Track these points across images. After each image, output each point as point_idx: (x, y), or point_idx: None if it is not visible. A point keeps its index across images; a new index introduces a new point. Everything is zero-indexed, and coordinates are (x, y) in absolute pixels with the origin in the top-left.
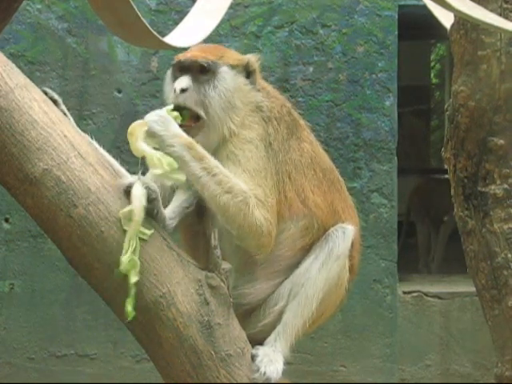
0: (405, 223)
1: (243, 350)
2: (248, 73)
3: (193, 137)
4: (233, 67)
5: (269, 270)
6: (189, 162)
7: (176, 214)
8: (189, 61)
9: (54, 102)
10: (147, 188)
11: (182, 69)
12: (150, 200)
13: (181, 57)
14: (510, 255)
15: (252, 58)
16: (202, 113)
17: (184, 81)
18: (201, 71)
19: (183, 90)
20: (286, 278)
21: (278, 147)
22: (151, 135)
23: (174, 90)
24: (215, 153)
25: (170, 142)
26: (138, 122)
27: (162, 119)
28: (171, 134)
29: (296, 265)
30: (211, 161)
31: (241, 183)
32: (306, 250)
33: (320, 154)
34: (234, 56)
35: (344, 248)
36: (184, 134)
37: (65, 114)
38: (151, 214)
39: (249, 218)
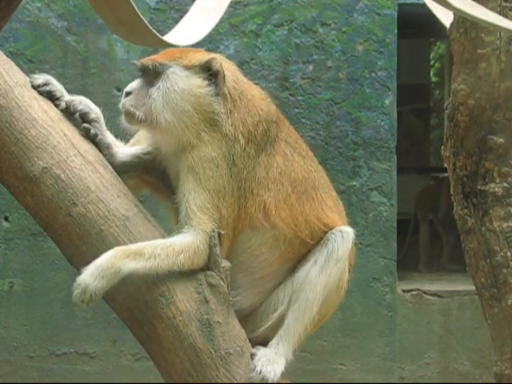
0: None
1: (242, 348)
2: (211, 75)
3: (151, 136)
4: (186, 68)
5: (251, 278)
6: (134, 267)
7: (131, 152)
8: (139, 64)
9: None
10: (85, 106)
11: (139, 72)
12: (90, 120)
13: (136, 61)
14: (509, 254)
15: (215, 60)
16: (140, 115)
17: (131, 84)
18: (153, 74)
19: (127, 94)
20: (280, 283)
21: (242, 165)
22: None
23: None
24: (177, 160)
25: (104, 276)
26: None
27: (84, 284)
28: (98, 274)
29: (287, 271)
30: (148, 245)
31: (185, 235)
32: (293, 258)
33: (293, 166)
34: (194, 57)
35: (344, 251)
36: (106, 261)
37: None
38: (88, 133)
39: (202, 256)
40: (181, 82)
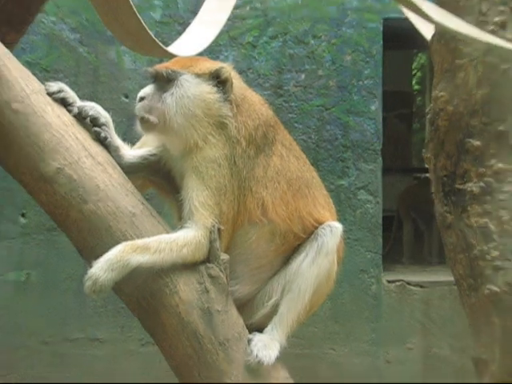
0: (388, 218)
1: (240, 334)
2: (220, 83)
3: (159, 139)
4: (198, 75)
5: (249, 268)
6: (141, 260)
7: (138, 154)
8: (153, 71)
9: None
10: (95, 111)
11: (151, 79)
12: (100, 124)
13: (150, 68)
14: (485, 247)
15: (224, 68)
16: (153, 119)
17: (144, 90)
18: (166, 80)
19: (141, 99)
20: (274, 274)
21: (242, 165)
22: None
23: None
24: (182, 161)
25: (113, 269)
26: None
27: (94, 276)
28: (108, 267)
29: (281, 263)
30: (154, 240)
31: (188, 230)
32: (287, 251)
33: (288, 166)
34: (204, 65)
35: (332, 245)
36: (115, 255)
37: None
38: (98, 136)
39: (203, 249)
40: (193, 89)
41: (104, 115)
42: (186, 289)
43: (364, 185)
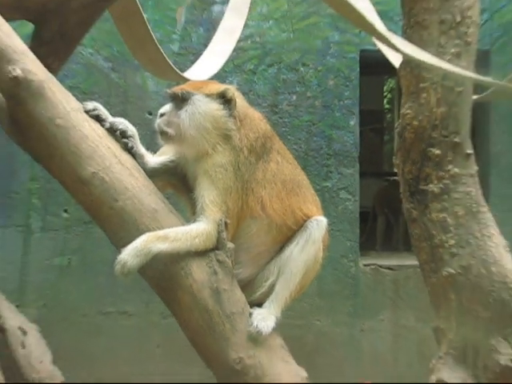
0: (364, 213)
1: (243, 309)
2: (225, 101)
3: (176, 148)
4: (207, 95)
5: (250, 255)
6: (162, 248)
7: (159, 161)
8: (171, 93)
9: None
10: (124, 126)
11: (169, 98)
12: (127, 136)
13: (168, 90)
14: (444, 237)
15: (229, 89)
16: (171, 131)
17: (164, 107)
18: (181, 100)
19: (161, 115)
20: (271, 259)
21: (245, 169)
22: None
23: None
24: (195, 166)
25: (139, 255)
26: None
27: (123, 261)
28: (134, 253)
29: (277, 250)
30: (172, 231)
31: (200, 223)
32: (282, 240)
33: (283, 170)
34: (212, 87)
35: (319, 235)
36: (140, 243)
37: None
38: (126, 146)
39: (213, 239)
40: (203, 106)
41: (131, 129)
42: (198, 271)
43: (344, 186)
